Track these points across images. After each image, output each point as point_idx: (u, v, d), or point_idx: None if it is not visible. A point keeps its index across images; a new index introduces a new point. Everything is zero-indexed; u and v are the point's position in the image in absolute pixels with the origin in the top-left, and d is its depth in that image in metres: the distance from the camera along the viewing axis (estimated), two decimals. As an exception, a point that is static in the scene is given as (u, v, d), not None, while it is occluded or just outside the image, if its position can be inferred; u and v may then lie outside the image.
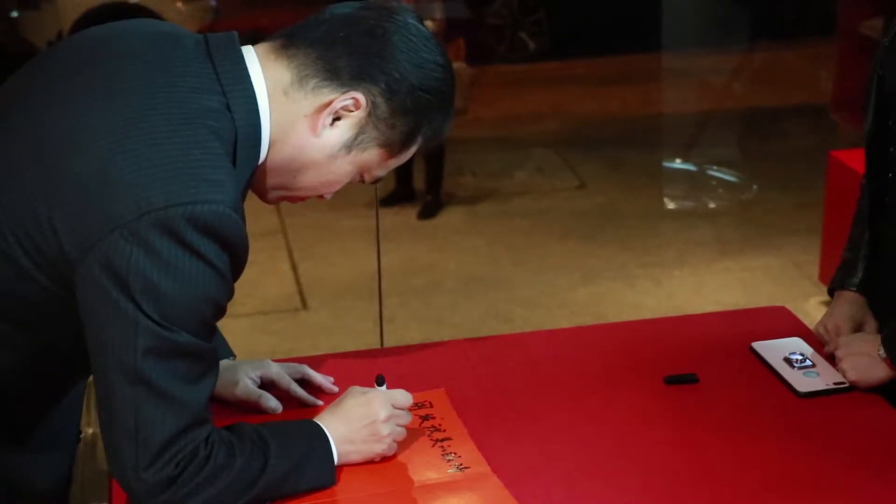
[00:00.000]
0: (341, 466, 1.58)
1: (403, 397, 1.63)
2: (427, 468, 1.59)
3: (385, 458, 1.61)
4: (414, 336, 4.09)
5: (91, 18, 5.07)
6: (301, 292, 4.65)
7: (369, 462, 1.60)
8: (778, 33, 7.61)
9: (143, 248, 1.32)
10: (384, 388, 1.64)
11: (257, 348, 3.96)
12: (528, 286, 4.62)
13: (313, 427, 1.57)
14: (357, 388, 1.64)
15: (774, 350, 1.90)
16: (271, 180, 1.52)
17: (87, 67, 1.46)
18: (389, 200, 5.56)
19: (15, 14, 5.63)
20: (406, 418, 1.64)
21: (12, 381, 1.52)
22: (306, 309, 4.52)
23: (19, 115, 1.46)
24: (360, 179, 1.56)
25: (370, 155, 1.52)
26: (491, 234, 5.27)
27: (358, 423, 1.58)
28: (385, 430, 1.59)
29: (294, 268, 4.90)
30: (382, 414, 1.59)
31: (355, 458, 1.59)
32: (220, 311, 1.43)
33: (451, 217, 5.53)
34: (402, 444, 1.64)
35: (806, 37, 7.60)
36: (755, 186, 5.79)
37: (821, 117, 6.29)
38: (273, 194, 1.56)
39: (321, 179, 1.53)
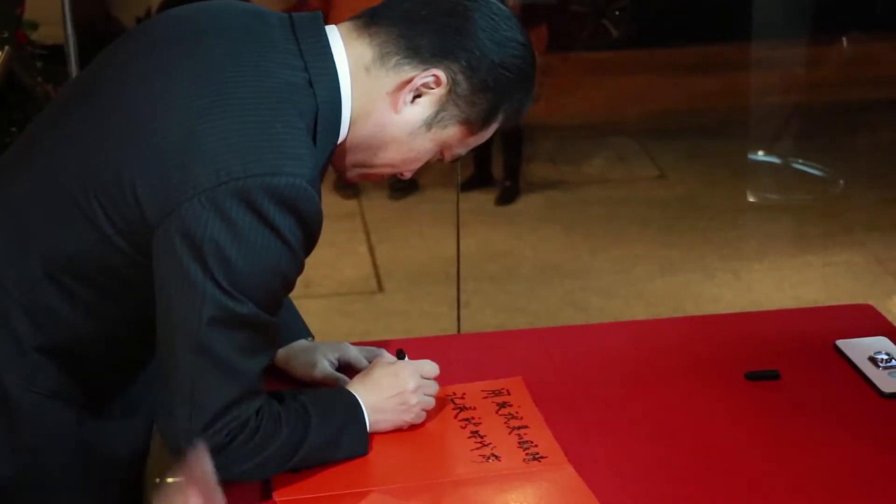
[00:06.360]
0: (374, 433, 1.61)
1: (431, 367, 1.67)
2: (503, 455, 1.59)
3: (413, 427, 1.65)
4: (489, 322, 4.09)
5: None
6: (377, 275, 4.67)
7: (398, 430, 1.63)
8: (870, 25, 7.45)
9: (220, 216, 1.35)
10: (406, 359, 1.68)
11: (333, 330, 3.99)
12: (606, 275, 4.59)
13: (348, 397, 1.61)
14: (385, 359, 1.69)
15: (859, 349, 1.86)
16: (351, 157, 1.54)
17: (175, 42, 1.49)
18: (467, 186, 5.54)
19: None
20: (434, 388, 1.67)
21: (96, 349, 1.56)
22: (382, 292, 4.53)
23: (108, 86, 1.50)
24: (440, 157, 1.58)
25: (451, 132, 1.53)
26: (568, 221, 5.24)
27: (387, 392, 1.62)
28: (413, 399, 1.63)
29: (371, 250, 4.92)
30: (411, 384, 1.63)
31: (384, 426, 1.63)
32: (289, 286, 1.46)
33: (528, 204, 5.50)
34: (483, 429, 1.65)
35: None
36: (841, 181, 5.68)
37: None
38: (353, 172, 1.58)
39: (402, 157, 1.55)
